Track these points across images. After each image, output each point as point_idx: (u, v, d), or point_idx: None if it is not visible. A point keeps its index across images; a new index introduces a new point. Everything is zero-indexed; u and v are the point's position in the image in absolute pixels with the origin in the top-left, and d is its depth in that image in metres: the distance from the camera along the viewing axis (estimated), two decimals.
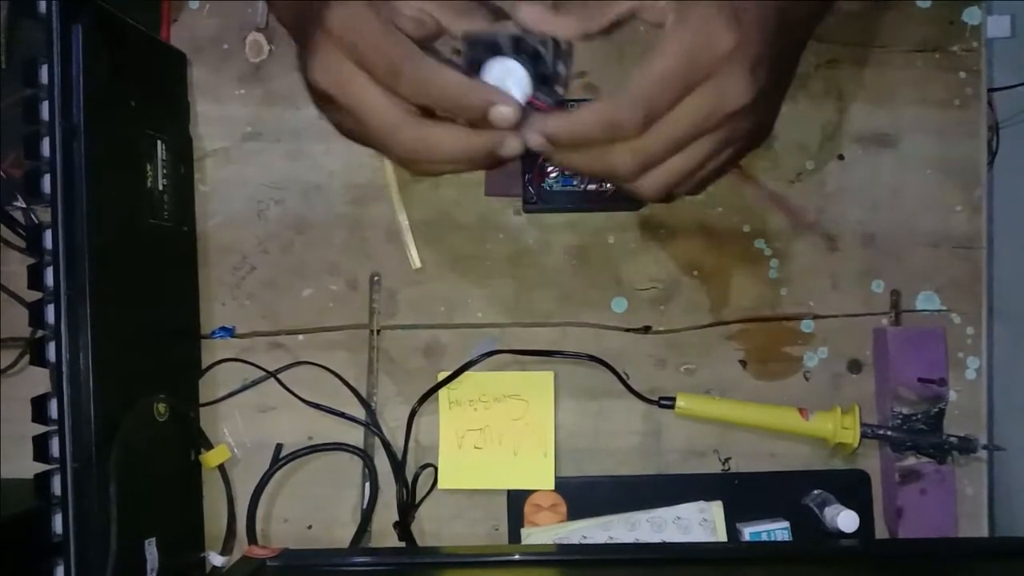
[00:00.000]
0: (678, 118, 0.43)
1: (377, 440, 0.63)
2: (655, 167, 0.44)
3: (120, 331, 0.52)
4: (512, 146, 0.44)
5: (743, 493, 0.62)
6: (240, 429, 0.63)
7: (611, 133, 0.42)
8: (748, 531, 0.60)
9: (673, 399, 0.61)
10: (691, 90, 0.42)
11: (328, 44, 0.43)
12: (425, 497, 0.63)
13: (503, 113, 0.43)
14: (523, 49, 0.44)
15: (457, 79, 0.43)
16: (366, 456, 0.63)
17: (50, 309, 0.49)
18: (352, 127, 0.45)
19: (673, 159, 0.44)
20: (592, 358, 0.62)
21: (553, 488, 0.62)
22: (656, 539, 0.60)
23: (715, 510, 0.61)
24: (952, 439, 0.61)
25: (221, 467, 0.62)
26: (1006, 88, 0.75)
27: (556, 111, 0.44)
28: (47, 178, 0.49)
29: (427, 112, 0.44)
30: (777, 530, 0.60)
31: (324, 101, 0.45)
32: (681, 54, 0.42)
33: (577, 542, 0.60)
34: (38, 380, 0.50)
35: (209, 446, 0.61)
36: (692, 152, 0.44)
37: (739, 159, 0.47)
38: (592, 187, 0.61)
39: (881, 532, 0.62)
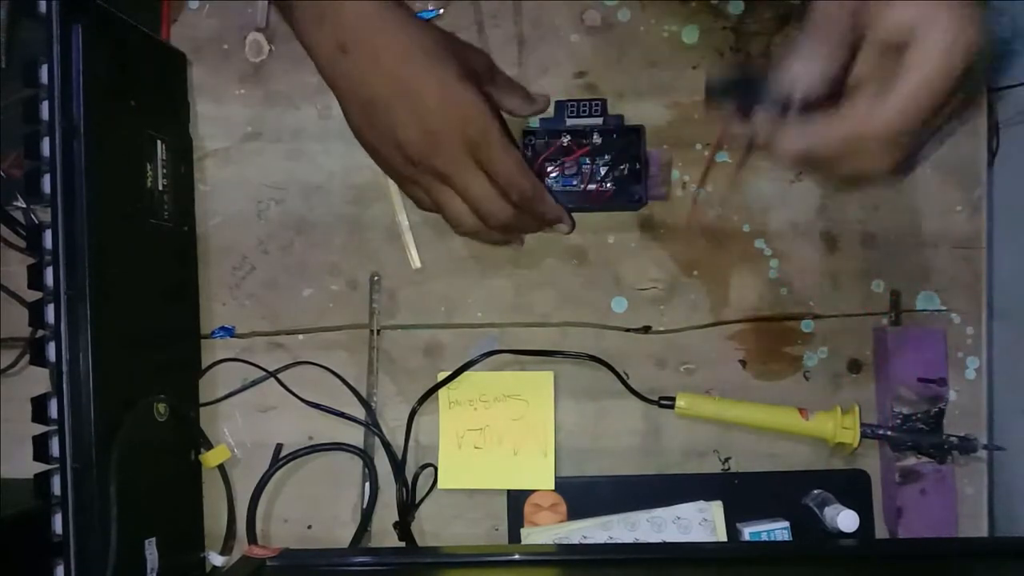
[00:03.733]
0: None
1: (377, 440, 0.63)
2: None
3: (120, 331, 0.52)
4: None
5: (743, 493, 0.62)
6: (240, 429, 0.63)
7: (885, 141, 0.43)
8: (748, 531, 0.60)
9: (673, 399, 0.61)
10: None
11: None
12: (425, 497, 0.63)
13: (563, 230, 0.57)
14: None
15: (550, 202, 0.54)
16: (366, 456, 0.63)
17: (50, 309, 0.50)
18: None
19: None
20: (592, 358, 0.62)
21: (553, 488, 0.62)
22: (656, 539, 0.60)
23: (715, 510, 0.61)
24: (952, 439, 0.61)
25: (221, 467, 0.62)
26: (1006, 88, 0.74)
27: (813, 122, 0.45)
28: (47, 178, 0.49)
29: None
30: (777, 530, 0.60)
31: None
32: (946, 55, 0.42)
33: (577, 542, 0.60)
34: (38, 380, 0.50)
35: (209, 446, 0.61)
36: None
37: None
38: (592, 187, 0.61)
39: (881, 532, 0.62)
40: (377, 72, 0.47)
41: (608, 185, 0.61)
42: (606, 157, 0.61)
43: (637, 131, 0.61)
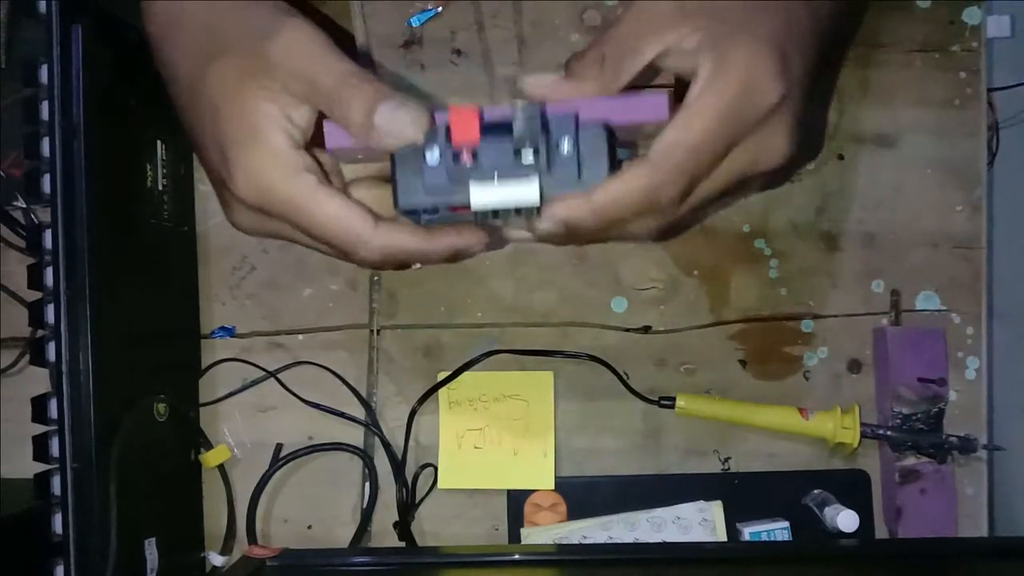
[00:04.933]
0: (712, 183, 0.38)
1: (377, 440, 0.63)
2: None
3: (120, 331, 0.52)
4: (481, 246, 0.42)
5: (743, 493, 0.62)
6: (240, 429, 0.63)
7: (646, 209, 0.37)
8: (748, 531, 0.60)
9: (673, 399, 0.61)
10: (732, 149, 0.37)
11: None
12: (425, 497, 0.63)
13: (471, 248, 0.43)
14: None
15: (415, 242, 0.41)
16: (366, 456, 0.63)
17: (50, 309, 0.49)
18: (308, 243, 0.43)
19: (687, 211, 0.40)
20: (592, 358, 0.62)
21: (553, 488, 0.62)
22: (656, 539, 0.60)
23: (715, 510, 0.61)
24: (952, 439, 0.61)
25: (221, 467, 0.62)
26: (1006, 88, 0.74)
27: (567, 196, 0.38)
28: (47, 178, 0.49)
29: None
30: (777, 530, 0.60)
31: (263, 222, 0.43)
32: (724, 112, 0.36)
33: (577, 542, 0.60)
34: (38, 380, 0.50)
35: (209, 446, 0.61)
36: (708, 206, 0.40)
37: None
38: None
39: (881, 532, 0.62)
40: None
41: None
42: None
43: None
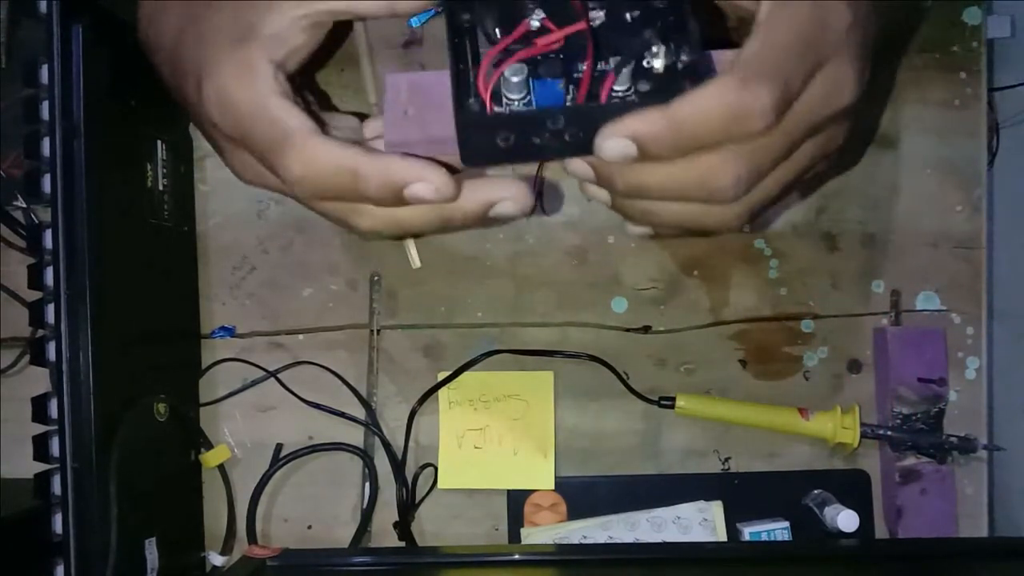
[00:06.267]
0: (795, 123, 0.34)
1: (377, 440, 0.63)
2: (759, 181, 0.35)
3: (120, 331, 0.52)
4: (437, 185, 0.36)
5: (743, 493, 0.62)
6: (240, 429, 0.63)
7: (735, 129, 0.32)
8: (748, 531, 0.60)
9: (673, 399, 0.61)
10: (816, 71, 0.33)
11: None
12: (425, 497, 0.63)
13: (419, 192, 0.36)
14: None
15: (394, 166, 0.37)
16: (366, 456, 0.63)
17: (50, 309, 0.49)
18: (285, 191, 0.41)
19: (772, 175, 0.35)
20: (592, 358, 0.62)
21: (553, 488, 0.62)
22: (656, 539, 0.60)
23: (715, 510, 0.61)
24: (952, 439, 0.61)
25: (221, 467, 0.62)
26: (1006, 88, 0.74)
27: (642, 108, 0.33)
28: (47, 178, 0.49)
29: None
30: (777, 530, 0.60)
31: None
32: (799, 25, 0.33)
33: (577, 542, 0.60)
34: (38, 380, 0.50)
35: (209, 446, 0.61)
36: (790, 165, 0.36)
37: (818, 185, 0.40)
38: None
39: (881, 532, 0.62)
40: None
41: (629, 88, 0.35)
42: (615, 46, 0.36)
43: None
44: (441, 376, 0.62)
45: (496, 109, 0.36)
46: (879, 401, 0.63)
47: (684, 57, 0.34)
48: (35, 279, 0.50)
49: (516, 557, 0.55)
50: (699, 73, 0.34)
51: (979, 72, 0.64)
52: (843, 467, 0.63)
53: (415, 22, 0.62)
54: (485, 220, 0.39)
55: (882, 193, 0.64)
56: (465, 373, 0.62)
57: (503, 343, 0.63)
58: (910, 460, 0.61)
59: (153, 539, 0.54)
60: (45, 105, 0.49)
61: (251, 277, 0.64)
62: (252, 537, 0.61)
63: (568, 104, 0.35)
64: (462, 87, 0.36)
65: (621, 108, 0.34)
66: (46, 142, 0.49)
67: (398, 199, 0.37)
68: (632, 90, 0.35)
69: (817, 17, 0.33)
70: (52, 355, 0.49)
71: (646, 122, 0.32)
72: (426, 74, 0.43)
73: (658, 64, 0.34)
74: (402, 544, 0.62)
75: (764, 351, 0.63)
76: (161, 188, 0.58)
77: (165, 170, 0.58)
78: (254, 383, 0.63)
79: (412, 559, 0.59)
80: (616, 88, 0.35)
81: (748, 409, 0.61)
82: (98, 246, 0.50)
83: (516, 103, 0.36)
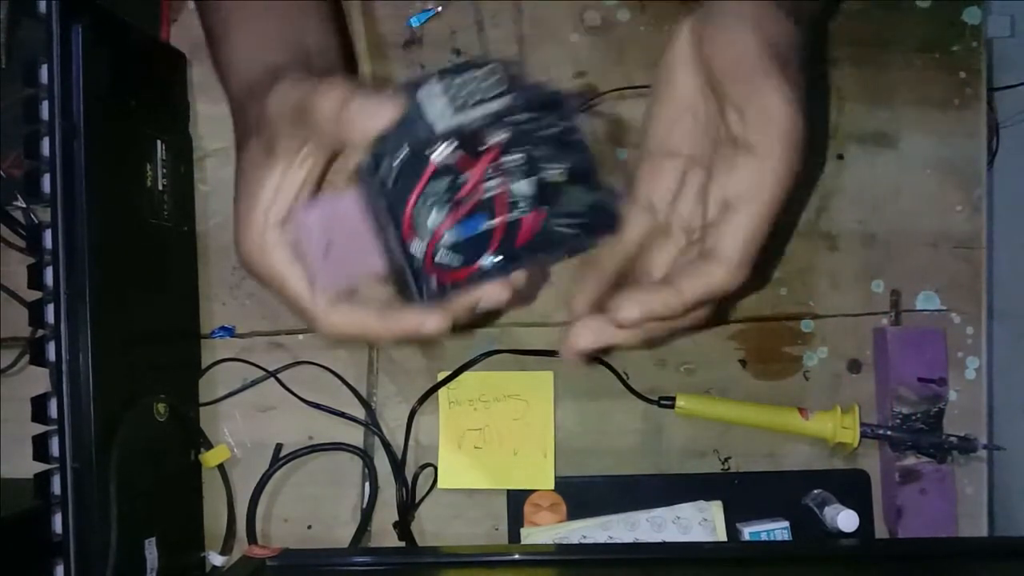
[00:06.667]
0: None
1: (377, 440, 0.63)
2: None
3: (120, 331, 0.52)
4: (436, 325, 0.42)
5: (743, 493, 0.62)
6: (240, 429, 0.63)
7: (716, 297, 0.43)
8: (748, 531, 0.60)
9: (673, 399, 0.61)
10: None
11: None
12: (425, 497, 0.63)
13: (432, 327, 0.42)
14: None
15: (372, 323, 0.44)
16: (366, 456, 0.63)
17: (50, 309, 0.49)
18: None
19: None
20: (592, 358, 0.62)
21: (553, 488, 0.62)
22: (656, 539, 0.60)
23: (715, 510, 0.61)
24: (952, 439, 0.61)
25: (221, 467, 0.62)
26: (1006, 88, 0.74)
27: (655, 288, 0.42)
28: (47, 178, 0.49)
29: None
30: (777, 530, 0.60)
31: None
32: (777, 194, 0.41)
33: (577, 542, 0.60)
34: (38, 380, 0.50)
35: (209, 446, 0.61)
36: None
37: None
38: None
39: (881, 532, 0.62)
40: None
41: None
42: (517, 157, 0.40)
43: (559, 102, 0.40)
44: (441, 376, 0.62)
45: (437, 260, 0.40)
46: (879, 401, 0.63)
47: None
48: (35, 279, 0.50)
49: (516, 557, 0.55)
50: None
51: (979, 72, 0.64)
52: (843, 467, 0.63)
53: (415, 22, 0.62)
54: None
55: (882, 193, 0.64)
56: (465, 373, 0.62)
57: (503, 343, 0.63)
58: (910, 460, 0.61)
59: (153, 539, 0.54)
60: (45, 105, 0.49)
61: (251, 277, 0.64)
62: (252, 537, 0.61)
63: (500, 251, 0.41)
64: (400, 250, 0.40)
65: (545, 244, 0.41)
66: (46, 142, 0.49)
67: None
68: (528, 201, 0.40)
69: (791, 174, 0.41)
70: (52, 355, 0.49)
71: (658, 302, 0.43)
72: (330, 200, 0.45)
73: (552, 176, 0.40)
74: (402, 544, 0.62)
75: (764, 351, 0.63)
76: (161, 188, 0.58)
77: (165, 170, 0.58)
78: (254, 383, 0.63)
79: (412, 559, 0.59)
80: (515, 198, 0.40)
81: (748, 409, 0.61)
82: (98, 246, 0.50)
83: (449, 256, 0.40)
